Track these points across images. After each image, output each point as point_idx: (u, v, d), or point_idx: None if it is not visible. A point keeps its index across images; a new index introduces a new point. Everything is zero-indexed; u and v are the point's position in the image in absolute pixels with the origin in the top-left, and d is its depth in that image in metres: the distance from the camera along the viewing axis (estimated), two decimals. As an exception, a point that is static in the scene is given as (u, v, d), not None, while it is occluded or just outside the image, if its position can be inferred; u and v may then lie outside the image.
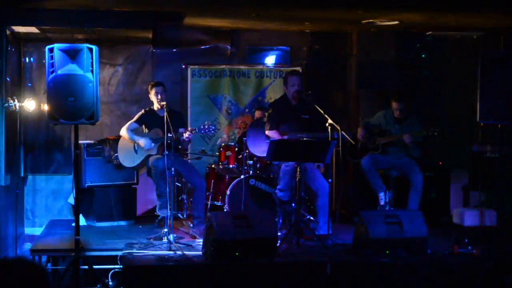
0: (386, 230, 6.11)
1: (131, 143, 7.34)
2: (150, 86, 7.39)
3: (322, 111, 6.79)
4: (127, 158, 7.42)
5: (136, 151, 7.32)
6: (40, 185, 8.89)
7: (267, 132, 7.06)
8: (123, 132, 7.33)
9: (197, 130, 6.93)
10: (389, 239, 6.11)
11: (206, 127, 6.98)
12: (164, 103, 6.94)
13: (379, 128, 7.59)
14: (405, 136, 7.25)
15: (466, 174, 8.58)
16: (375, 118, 7.73)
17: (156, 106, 7.27)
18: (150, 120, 7.28)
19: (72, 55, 5.75)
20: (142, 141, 7.17)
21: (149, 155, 7.18)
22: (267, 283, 5.83)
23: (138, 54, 9.08)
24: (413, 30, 8.82)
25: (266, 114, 7.31)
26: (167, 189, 6.99)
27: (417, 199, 7.27)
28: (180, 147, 7.26)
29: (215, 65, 9.17)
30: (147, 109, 7.42)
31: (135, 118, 7.40)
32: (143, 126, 7.34)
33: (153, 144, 7.16)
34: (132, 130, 7.30)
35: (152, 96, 7.27)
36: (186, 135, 6.84)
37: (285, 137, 7.01)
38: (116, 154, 7.68)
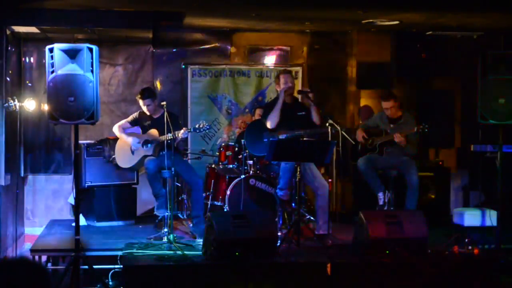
0: (386, 230, 6.10)
1: (127, 145, 7.35)
2: (138, 96, 7.28)
3: (322, 111, 6.80)
4: (123, 159, 7.44)
5: (132, 152, 7.33)
6: (40, 185, 8.89)
7: (268, 124, 7.03)
8: (115, 129, 7.40)
9: (192, 130, 6.91)
10: (389, 239, 6.10)
11: (201, 126, 6.90)
12: (164, 102, 6.93)
13: (377, 129, 7.61)
14: (395, 135, 7.27)
15: (466, 174, 8.58)
16: (372, 119, 7.76)
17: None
18: (144, 122, 7.27)
19: (72, 55, 5.75)
20: (130, 140, 7.22)
21: (146, 156, 7.18)
22: (267, 283, 5.83)
23: (138, 54, 9.08)
24: (413, 30, 8.82)
25: (262, 113, 7.32)
26: (163, 189, 7.01)
27: (414, 199, 7.27)
28: (175, 145, 7.24)
29: (215, 65, 9.16)
30: (141, 111, 7.39)
31: (128, 119, 7.44)
32: (139, 128, 7.33)
33: (139, 145, 7.16)
34: (124, 129, 7.33)
35: (143, 107, 7.23)
36: (180, 134, 6.80)
37: (283, 136, 7.00)
38: (114, 156, 7.69)
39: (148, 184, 7.47)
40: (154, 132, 7.14)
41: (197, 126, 6.89)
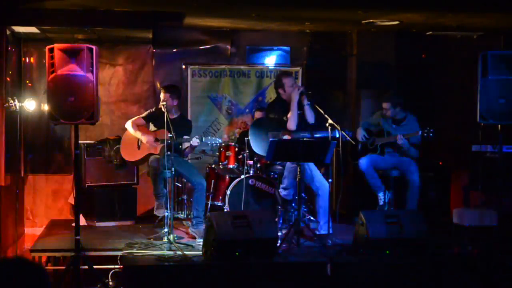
0: (386, 230, 6.11)
1: (135, 139, 7.34)
2: (162, 88, 7.34)
3: (322, 111, 6.81)
4: (128, 152, 7.42)
5: (138, 147, 7.33)
6: (40, 185, 8.89)
7: (291, 127, 7.01)
8: (128, 125, 7.32)
9: (203, 140, 6.97)
10: (389, 239, 6.10)
11: (213, 141, 7.07)
12: (164, 103, 6.95)
13: (378, 129, 7.62)
14: (398, 136, 7.27)
15: (466, 174, 8.58)
16: (374, 117, 7.79)
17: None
18: (158, 119, 7.24)
19: (72, 55, 5.75)
20: (144, 138, 7.20)
21: (151, 154, 7.19)
22: (267, 283, 5.83)
23: (138, 54, 9.08)
24: (413, 30, 8.82)
25: (269, 118, 7.31)
26: (165, 190, 7.01)
27: (415, 199, 7.28)
28: (180, 147, 7.25)
29: (215, 65, 9.17)
30: (158, 107, 7.39)
31: (143, 114, 7.41)
32: (151, 124, 7.34)
33: (155, 143, 7.18)
34: (138, 126, 7.31)
35: (162, 101, 7.22)
36: (192, 141, 6.88)
37: (285, 137, 7.01)
38: (118, 146, 7.67)
39: (148, 184, 7.49)
40: (163, 132, 7.13)
41: (209, 141, 7.02)
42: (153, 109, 7.43)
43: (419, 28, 8.72)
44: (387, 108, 7.48)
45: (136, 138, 7.32)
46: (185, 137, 7.06)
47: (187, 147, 7.18)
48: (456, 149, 8.84)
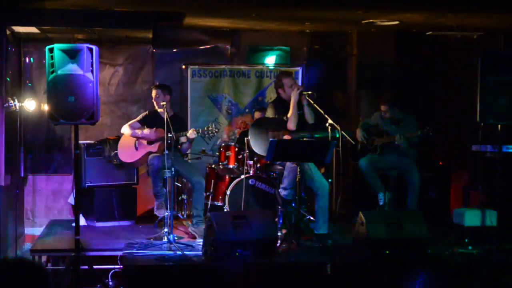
0: (386, 230, 6.10)
1: (132, 141, 7.36)
2: (153, 87, 7.43)
3: (322, 111, 6.81)
4: (126, 153, 7.44)
5: (136, 148, 7.35)
6: (40, 185, 8.89)
7: (291, 127, 7.02)
8: (125, 129, 7.35)
9: (200, 131, 6.97)
10: (389, 239, 6.10)
11: (210, 129, 7.03)
12: (164, 103, 6.96)
13: (377, 129, 7.62)
14: (397, 137, 7.28)
15: (466, 174, 8.58)
16: (372, 118, 7.79)
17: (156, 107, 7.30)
18: (152, 121, 7.29)
19: (72, 55, 5.75)
20: (146, 130, 7.22)
21: (150, 152, 7.21)
22: (267, 283, 5.83)
23: (138, 54, 9.08)
24: (413, 30, 8.83)
25: (269, 118, 7.31)
26: (164, 189, 7.02)
27: (415, 199, 7.29)
28: (180, 147, 7.26)
29: (215, 65, 9.17)
30: (151, 110, 7.44)
31: (138, 118, 7.45)
32: (145, 127, 7.38)
33: (155, 136, 7.19)
34: (134, 128, 7.35)
35: (153, 100, 7.29)
36: (189, 134, 6.88)
37: (285, 137, 7.00)
38: (115, 152, 7.68)
39: (148, 184, 7.49)
40: (161, 130, 7.15)
41: (205, 128, 6.97)
42: (147, 112, 7.48)
43: (419, 28, 8.72)
44: (385, 111, 7.50)
45: (133, 139, 7.34)
46: (171, 134, 7.01)
47: (185, 142, 7.16)
48: (456, 149, 8.84)
